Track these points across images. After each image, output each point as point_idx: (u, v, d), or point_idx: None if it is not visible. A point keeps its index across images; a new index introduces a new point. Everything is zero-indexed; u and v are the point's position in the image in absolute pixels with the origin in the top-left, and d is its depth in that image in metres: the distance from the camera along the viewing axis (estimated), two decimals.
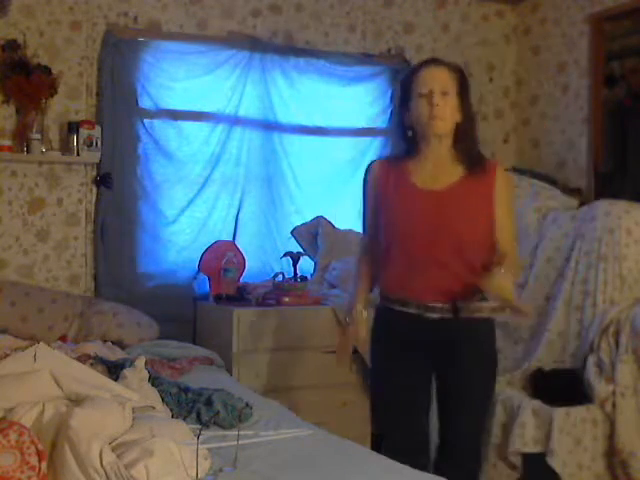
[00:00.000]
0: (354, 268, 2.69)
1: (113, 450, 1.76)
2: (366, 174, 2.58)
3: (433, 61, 2.48)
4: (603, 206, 3.50)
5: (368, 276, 2.60)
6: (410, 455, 2.31)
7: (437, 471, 2.37)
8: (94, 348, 3.11)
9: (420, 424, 2.52)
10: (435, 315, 2.39)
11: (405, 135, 2.48)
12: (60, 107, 3.74)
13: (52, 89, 3.64)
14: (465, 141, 2.43)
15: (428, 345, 2.44)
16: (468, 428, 2.51)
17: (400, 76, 4.40)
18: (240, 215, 4.11)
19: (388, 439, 2.55)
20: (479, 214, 2.40)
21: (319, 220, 4.19)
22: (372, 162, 2.62)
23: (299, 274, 3.91)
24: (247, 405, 2.47)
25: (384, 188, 2.49)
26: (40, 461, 1.68)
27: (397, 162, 2.51)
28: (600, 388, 3.15)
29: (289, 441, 2.25)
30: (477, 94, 4.70)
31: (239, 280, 3.90)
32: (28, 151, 3.60)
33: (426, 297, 2.39)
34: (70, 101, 3.77)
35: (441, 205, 2.38)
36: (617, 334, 3.21)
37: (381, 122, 4.43)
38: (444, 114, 2.36)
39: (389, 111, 4.43)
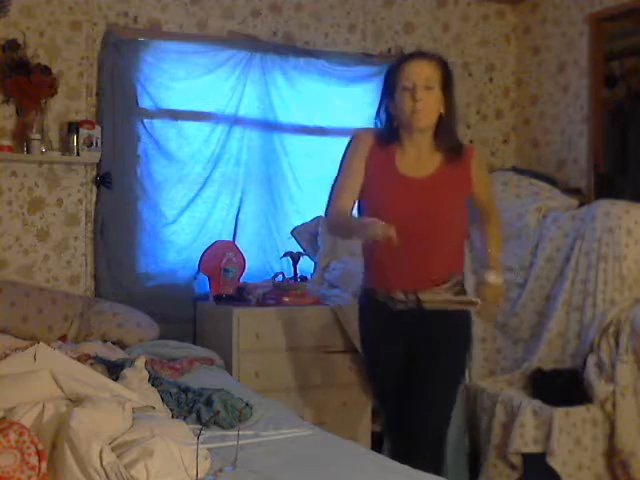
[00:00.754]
0: (338, 219, 2.58)
1: (113, 450, 1.76)
2: (354, 140, 2.57)
3: (419, 55, 2.51)
4: (603, 206, 3.50)
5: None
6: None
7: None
8: (94, 348, 3.11)
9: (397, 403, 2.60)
10: (401, 306, 2.50)
11: (388, 123, 2.52)
12: (60, 107, 3.74)
13: (52, 89, 3.64)
14: (445, 133, 2.49)
15: (398, 333, 2.55)
16: (432, 413, 2.52)
17: None
18: (240, 215, 4.11)
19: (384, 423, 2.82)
20: (457, 199, 2.50)
21: (319, 220, 4.18)
22: (360, 131, 2.63)
23: (299, 274, 3.91)
24: (247, 405, 2.47)
25: (371, 168, 2.52)
26: (40, 461, 1.68)
27: (383, 145, 2.52)
28: (600, 388, 3.15)
29: (289, 441, 2.24)
30: (477, 94, 4.71)
31: (239, 280, 3.90)
32: (28, 151, 3.60)
33: (394, 287, 2.49)
34: (70, 101, 3.77)
35: (423, 192, 2.46)
36: (617, 334, 3.21)
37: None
38: (427, 109, 2.41)
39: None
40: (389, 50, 4.48)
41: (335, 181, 2.60)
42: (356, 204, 2.59)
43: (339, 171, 2.59)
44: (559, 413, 3.09)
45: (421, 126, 2.44)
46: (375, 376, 2.72)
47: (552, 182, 4.18)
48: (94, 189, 3.82)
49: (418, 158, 2.50)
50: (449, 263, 2.53)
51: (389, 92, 2.49)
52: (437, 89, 2.43)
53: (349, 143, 2.59)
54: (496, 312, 2.75)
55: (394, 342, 2.56)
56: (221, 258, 3.85)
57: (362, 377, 3.68)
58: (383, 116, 2.55)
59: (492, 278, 2.63)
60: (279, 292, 3.74)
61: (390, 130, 2.53)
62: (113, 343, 3.37)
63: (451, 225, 2.50)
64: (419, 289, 2.48)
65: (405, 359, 2.56)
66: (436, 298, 2.49)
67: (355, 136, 2.59)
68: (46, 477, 1.69)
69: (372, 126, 2.63)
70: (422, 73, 2.41)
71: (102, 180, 3.78)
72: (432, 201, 2.46)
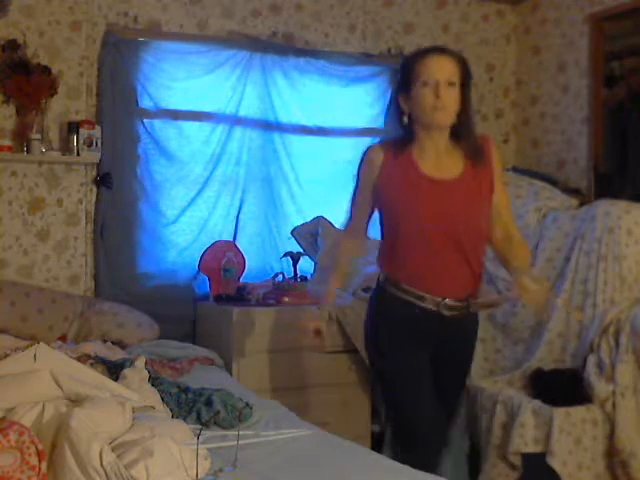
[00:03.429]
0: (333, 252, 2.75)
1: (113, 450, 1.76)
2: (365, 158, 2.49)
3: (439, 50, 2.42)
4: (603, 206, 3.50)
5: (348, 264, 2.70)
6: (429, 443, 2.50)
7: None
8: (94, 348, 3.11)
9: (434, 406, 2.54)
10: (450, 312, 2.43)
11: (402, 121, 2.44)
12: (60, 107, 3.74)
13: (52, 89, 3.64)
14: (465, 131, 2.42)
15: (434, 337, 2.50)
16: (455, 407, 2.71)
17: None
18: (240, 215, 4.11)
19: (406, 423, 2.54)
20: (486, 201, 2.45)
21: (319, 220, 4.18)
22: (372, 146, 2.52)
23: (299, 274, 3.91)
24: (247, 405, 2.47)
25: (390, 176, 2.43)
26: (40, 461, 1.68)
27: (399, 149, 2.44)
28: (600, 388, 3.15)
29: (289, 441, 2.25)
30: (477, 94, 4.71)
31: (239, 280, 3.90)
32: (28, 151, 3.60)
33: (444, 294, 2.42)
34: (70, 101, 3.77)
35: (455, 195, 2.39)
36: (617, 334, 3.21)
37: (381, 122, 4.43)
38: (449, 105, 2.34)
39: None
40: (389, 50, 4.48)
41: (352, 200, 2.57)
42: (377, 215, 2.54)
43: (354, 191, 2.55)
44: (559, 413, 3.09)
45: (442, 124, 2.37)
46: (406, 381, 2.51)
47: (552, 182, 4.18)
48: (94, 189, 3.82)
49: (438, 157, 2.42)
50: (481, 271, 2.49)
51: (404, 86, 2.40)
52: (457, 86, 2.35)
53: (360, 162, 2.51)
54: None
55: (426, 346, 2.51)
56: (221, 258, 3.85)
57: (362, 377, 3.68)
58: (395, 112, 2.48)
59: (527, 281, 2.36)
60: (279, 292, 3.74)
61: (404, 128, 2.44)
62: (113, 343, 3.37)
63: (482, 227, 2.44)
64: (470, 296, 2.46)
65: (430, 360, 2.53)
66: (480, 302, 2.51)
67: (365, 154, 2.51)
68: (46, 477, 1.69)
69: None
70: (445, 68, 2.33)
71: (102, 180, 3.78)
72: (465, 203, 2.40)
